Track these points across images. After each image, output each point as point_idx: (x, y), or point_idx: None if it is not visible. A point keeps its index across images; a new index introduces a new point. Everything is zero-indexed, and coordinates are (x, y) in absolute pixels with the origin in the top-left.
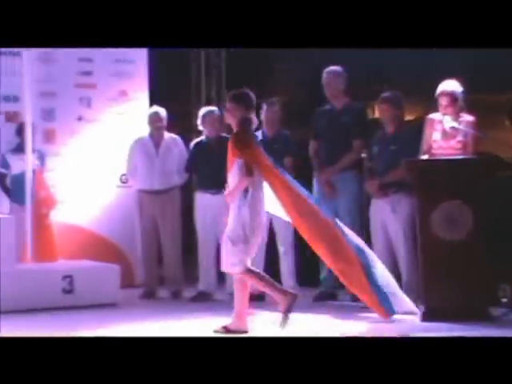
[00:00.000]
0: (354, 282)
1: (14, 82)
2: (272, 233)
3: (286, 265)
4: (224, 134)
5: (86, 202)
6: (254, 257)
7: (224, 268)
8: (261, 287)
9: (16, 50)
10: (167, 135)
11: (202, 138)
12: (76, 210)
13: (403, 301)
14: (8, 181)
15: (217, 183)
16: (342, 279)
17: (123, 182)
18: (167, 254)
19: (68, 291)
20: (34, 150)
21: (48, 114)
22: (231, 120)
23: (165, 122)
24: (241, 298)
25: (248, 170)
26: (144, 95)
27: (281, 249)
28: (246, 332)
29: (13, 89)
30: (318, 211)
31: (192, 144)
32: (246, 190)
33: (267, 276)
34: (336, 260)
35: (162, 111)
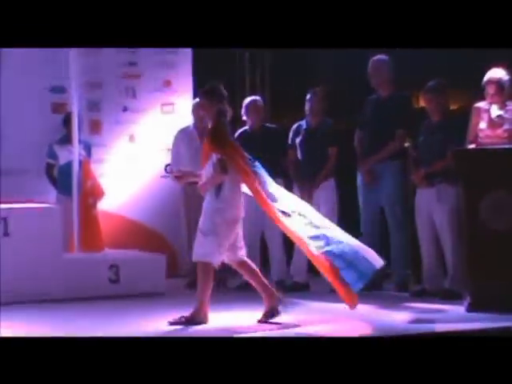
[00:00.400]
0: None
1: (61, 73)
2: None
3: None
4: (268, 124)
5: (131, 192)
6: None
7: (196, 257)
8: (251, 280)
9: None
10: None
11: (246, 127)
12: (122, 200)
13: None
14: (55, 171)
15: None
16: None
17: (168, 172)
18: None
19: (114, 281)
20: (80, 141)
21: (94, 105)
22: (206, 115)
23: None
24: (203, 288)
25: (223, 167)
26: (188, 85)
27: None
28: (204, 323)
29: (60, 80)
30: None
31: (236, 134)
32: (219, 185)
33: (257, 270)
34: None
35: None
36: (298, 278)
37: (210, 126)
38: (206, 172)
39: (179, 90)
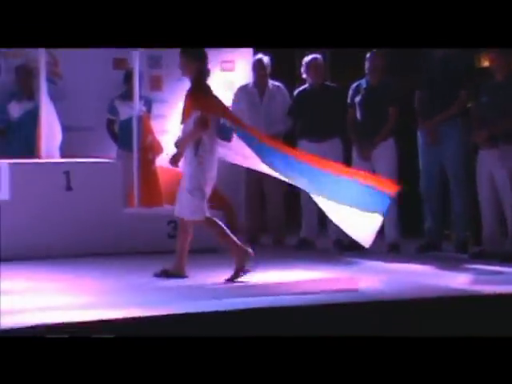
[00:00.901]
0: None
1: None
2: None
3: (389, 215)
4: (328, 82)
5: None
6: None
7: (184, 215)
8: (219, 238)
9: None
10: (271, 83)
11: (306, 85)
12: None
13: None
14: (116, 127)
15: (320, 131)
16: None
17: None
18: (270, 201)
19: (173, 236)
20: (140, 97)
21: (155, 61)
22: (186, 75)
23: (269, 70)
24: (183, 243)
25: (203, 123)
26: None
27: None
28: (184, 277)
29: None
30: None
31: (296, 92)
32: (198, 142)
33: (226, 228)
34: None
35: (266, 59)
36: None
37: (191, 85)
38: (184, 129)
39: (239, 48)
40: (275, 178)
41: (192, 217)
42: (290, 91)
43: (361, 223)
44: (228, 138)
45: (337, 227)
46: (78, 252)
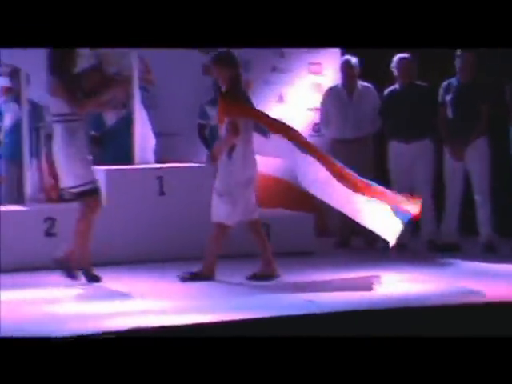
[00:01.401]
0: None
1: None
2: (468, 182)
3: (483, 213)
4: (418, 82)
5: None
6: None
7: (213, 218)
8: (211, 245)
9: None
10: (360, 84)
11: (396, 85)
12: (271, 159)
13: None
14: (207, 132)
15: (410, 131)
16: None
17: (316, 132)
18: None
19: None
20: None
21: (244, 65)
22: (220, 82)
23: (357, 71)
24: (214, 246)
25: (234, 129)
26: None
27: (477, 198)
28: (211, 279)
29: None
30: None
31: (386, 92)
32: (232, 147)
33: (265, 238)
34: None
35: (354, 60)
36: (448, 239)
37: (223, 91)
38: (220, 135)
39: (327, 50)
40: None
41: (216, 219)
42: (380, 91)
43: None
44: (265, 134)
45: (429, 228)
46: (170, 256)
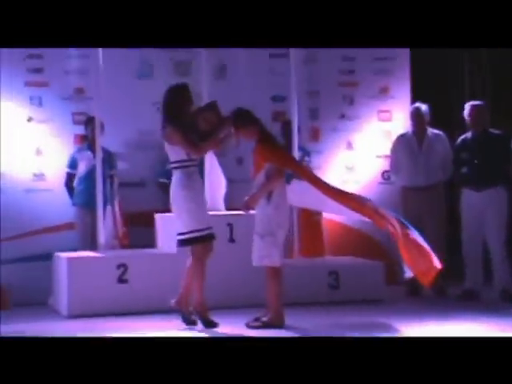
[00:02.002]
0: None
1: (281, 83)
2: None
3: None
4: (491, 129)
5: None
6: None
7: (254, 262)
8: (271, 292)
9: (283, 50)
10: (430, 131)
11: (468, 133)
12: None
13: None
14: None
15: (482, 180)
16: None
17: (385, 179)
18: (431, 250)
19: (334, 287)
20: (299, 148)
21: (312, 113)
22: (251, 140)
23: (427, 118)
24: (275, 291)
25: (278, 173)
26: (406, 91)
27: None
28: (281, 326)
29: (280, 89)
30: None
31: (459, 139)
32: (270, 192)
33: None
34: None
35: (425, 107)
36: None
37: (258, 142)
38: (256, 182)
39: (396, 97)
40: (436, 228)
41: (260, 262)
42: (451, 139)
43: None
44: (288, 181)
45: (503, 277)
46: (241, 302)
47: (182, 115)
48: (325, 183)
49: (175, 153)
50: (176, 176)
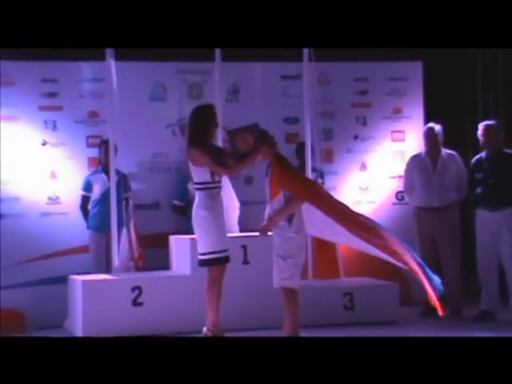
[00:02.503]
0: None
1: (294, 104)
2: None
3: None
4: (505, 149)
5: None
6: None
7: (276, 284)
8: (289, 311)
9: (296, 72)
10: (444, 151)
11: (482, 153)
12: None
13: None
14: None
15: (497, 200)
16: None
17: (399, 200)
18: (446, 271)
19: (349, 308)
20: (313, 169)
21: (326, 134)
22: (262, 159)
23: (441, 138)
24: (294, 313)
25: (299, 198)
26: (419, 112)
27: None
28: None
29: (293, 110)
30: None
31: (472, 160)
32: (291, 215)
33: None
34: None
35: (438, 127)
36: None
37: (273, 165)
38: (272, 207)
39: (409, 117)
40: (450, 248)
41: (282, 283)
42: (465, 159)
43: None
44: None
45: None
46: (255, 324)
47: (208, 136)
48: (339, 211)
49: (200, 174)
50: (199, 197)
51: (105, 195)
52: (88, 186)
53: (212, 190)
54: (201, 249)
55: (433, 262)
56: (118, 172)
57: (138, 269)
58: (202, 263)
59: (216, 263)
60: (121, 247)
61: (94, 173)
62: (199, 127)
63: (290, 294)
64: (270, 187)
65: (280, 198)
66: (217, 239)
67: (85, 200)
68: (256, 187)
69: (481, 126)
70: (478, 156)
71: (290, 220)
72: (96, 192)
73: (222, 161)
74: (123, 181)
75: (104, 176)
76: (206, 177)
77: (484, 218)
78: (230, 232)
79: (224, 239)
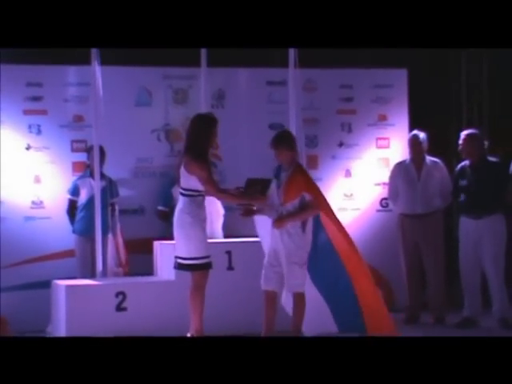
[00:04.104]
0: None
1: (280, 110)
2: None
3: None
4: (488, 157)
5: (347, 226)
6: None
7: (290, 289)
8: (298, 314)
9: (282, 78)
10: (428, 158)
11: (466, 161)
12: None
13: None
14: None
15: (481, 208)
16: None
17: (383, 206)
18: (430, 278)
19: None
20: None
21: (311, 141)
22: (282, 162)
23: (425, 146)
24: (302, 316)
25: (317, 206)
26: (404, 119)
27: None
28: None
29: (278, 117)
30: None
31: (457, 168)
32: (305, 221)
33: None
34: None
35: (423, 135)
36: None
37: (296, 171)
38: (287, 208)
39: (394, 124)
40: (433, 255)
41: (297, 289)
42: (449, 167)
43: None
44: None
45: (501, 306)
46: (240, 330)
47: (208, 147)
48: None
49: (190, 181)
50: (184, 202)
51: (91, 200)
52: (75, 191)
53: (197, 197)
54: (182, 253)
55: (416, 268)
56: (106, 177)
57: (126, 274)
58: (184, 267)
59: (199, 269)
60: (108, 253)
61: (81, 177)
62: (200, 137)
63: (301, 297)
64: (287, 190)
65: (295, 202)
66: (200, 245)
67: (72, 204)
68: None
69: (462, 135)
70: (462, 163)
71: (303, 227)
72: (83, 196)
73: (215, 180)
74: (111, 186)
75: (91, 181)
76: (196, 186)
77: (467, 226)
78: (214, 238)
79: (207, 245)
